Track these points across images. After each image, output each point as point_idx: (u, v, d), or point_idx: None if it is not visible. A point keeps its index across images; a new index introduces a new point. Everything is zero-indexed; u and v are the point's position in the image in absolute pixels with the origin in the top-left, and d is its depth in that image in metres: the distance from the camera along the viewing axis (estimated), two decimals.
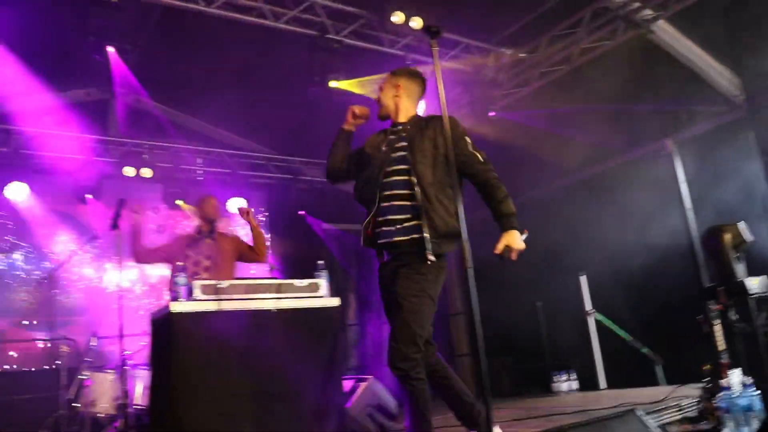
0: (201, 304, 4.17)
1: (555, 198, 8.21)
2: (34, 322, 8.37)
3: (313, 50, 6.83)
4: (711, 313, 4.74)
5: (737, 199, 6.26)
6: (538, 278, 7.68)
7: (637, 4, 6.84)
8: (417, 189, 3.24)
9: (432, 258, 3.16)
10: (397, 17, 6.75)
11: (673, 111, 7.12)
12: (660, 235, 6.65)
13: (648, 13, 6.86)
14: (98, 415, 6.33)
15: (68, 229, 8.77)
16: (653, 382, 6.69)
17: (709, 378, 4.38)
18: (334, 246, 10.13)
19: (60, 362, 6.81)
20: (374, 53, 7.23)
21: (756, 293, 5.00)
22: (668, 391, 5.06)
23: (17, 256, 8.56)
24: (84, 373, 6.49)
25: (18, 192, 8.47)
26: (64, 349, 6.91)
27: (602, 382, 7.07)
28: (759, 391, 3.94)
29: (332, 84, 6.95)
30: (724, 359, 4.49)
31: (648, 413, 3.76)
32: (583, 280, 7.34)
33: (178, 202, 9.17)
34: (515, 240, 3.20)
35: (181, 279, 4.29)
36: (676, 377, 5.92)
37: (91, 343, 6.84)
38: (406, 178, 3.30)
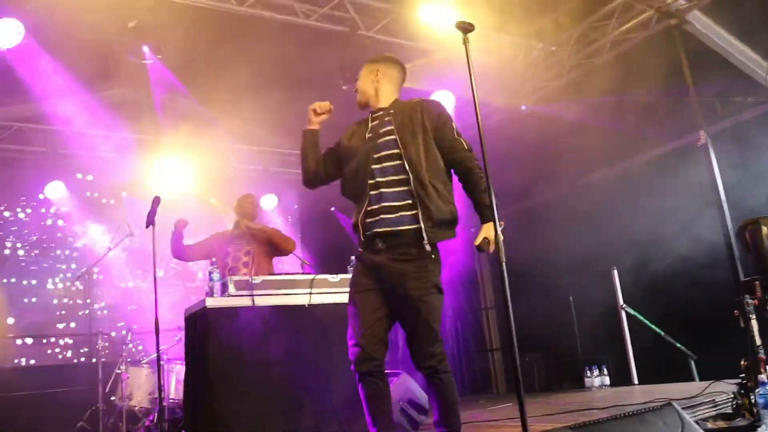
0: (235, 300, 4.22)
1: (587, 191, 8.12)
2: (72, 318, 8.55)
3: (344, 47, 6.88)
4: (747, 308, 4.66)
5: None
6: (570, 272, 7.63)
7: None
8: (410, 174, 3.08)
9: (428, 248, 3.04)
10: (428, 13, 6.77)
11: (707, 102, 7.00)
12: (694, 227, 6.55)
13: (682, 2, 6.76)
14: (134, 408, 6.46)
15: (105, 226, 8.94)
16: (686, 377, 6.60)
17: (745, 374, 4.31)
18: None
19: (99, 357, 6.96)
20: (404, 48, 7.25)
21: None
22: (702, 387, 5.00)
23: (56, 253, 8.75)
24: (120, 367, 6.63)
25: (56, 190, 8.68)
26: (102, 344, 7.07)
27: (634, 377, 7.00)
28: None
29: None
30: (761, 354, 4.42)
31: (683, 408, 3.73)
32: (615, 274, 7.28)
33: (212, 200, 9.27)
34: (493, 232, 3.02)
35: (216, 275, 4.36)
36: (710, 373, 5.84)
37: (127, 339, 6.99)
38: (398, 163, 3.13)
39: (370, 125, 3.33)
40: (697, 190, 6.79)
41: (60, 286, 8.66)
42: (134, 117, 8.72)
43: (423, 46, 7.37)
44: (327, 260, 9.43)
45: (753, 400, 3.93)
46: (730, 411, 4.27)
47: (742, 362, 4.41)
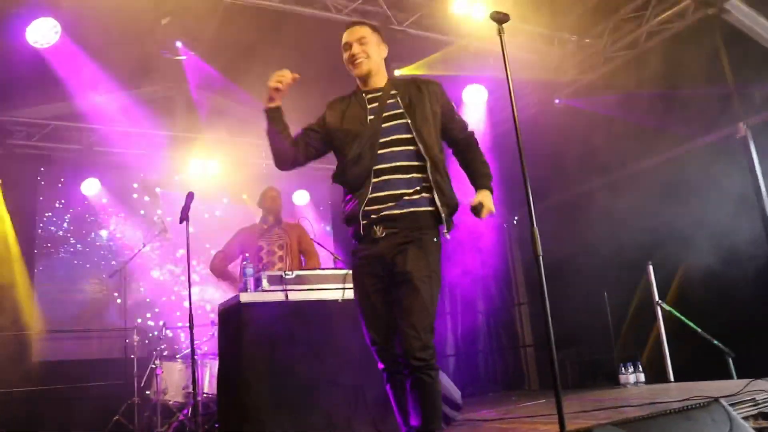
0: (269, 295, 4.24)
1: (622, 186, 7.99)
2: (107, 313, 8.67)
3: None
4: None
5: None
6: (605, 267, 7.52)
7: None
8: (427, 159, 2.94)
9: (446, 234, 2.95)
10: (460, 6, 6.73)
11: (747, 93, 6.84)
12: (732, 223, 6.40)
13: None
14: (168, 402, 6.53)
15: (139, 221, 9.06)
16: (723, 375, 6.46)
17: None
18: None
19: (133, 352, 7.05)
20: (437, 42, 7.21)
21: None
22: (741, 385, 4.89)
23: (91, 249, 8.88)
24: (155, 362, 6.70)
25: (92, 187, 8.82)
26: (136, 339, 7.16)
27: (670, 374, 6.88)
28: None
29: (396, 72, 7.00)
30: None
31: None
32: (651, 269, 7.15)
33: (244, 196, 9.34)
34: (490, 200, 2.99)
35: (249, 270, 4.38)
36: (748, 371, 5.70)
37: (161, 334, 7.07)
38: (411, 148, 2.96)
39: (368, 106, 3.09)
40: (736, 183, 6.63)
41: (95, 281, 8.78)
42: (168, 114, 8.83)
43: (455, 40, 7.31)
44: None
45: None
46: None
47: None
